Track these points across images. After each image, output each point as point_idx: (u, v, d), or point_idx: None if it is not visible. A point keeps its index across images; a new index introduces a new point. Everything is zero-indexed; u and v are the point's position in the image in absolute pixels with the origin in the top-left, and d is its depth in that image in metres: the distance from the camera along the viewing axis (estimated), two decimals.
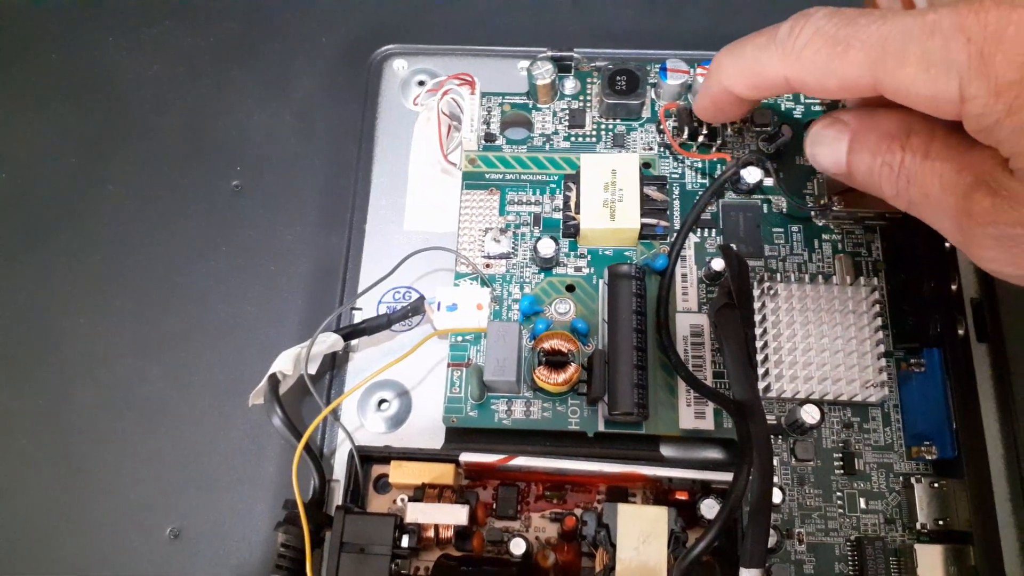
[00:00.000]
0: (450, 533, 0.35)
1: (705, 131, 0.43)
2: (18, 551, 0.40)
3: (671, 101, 0.44)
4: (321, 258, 0.45)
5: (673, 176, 0.43)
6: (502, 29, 0.51)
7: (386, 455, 0.37)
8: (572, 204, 0.41)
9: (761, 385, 0.37)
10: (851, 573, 0.36)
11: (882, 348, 0.37)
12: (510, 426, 0.37)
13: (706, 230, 0.41)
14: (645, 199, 0.40)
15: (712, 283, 0.40)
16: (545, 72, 0.43)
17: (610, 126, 0.44)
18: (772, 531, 0.34)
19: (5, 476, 0.41)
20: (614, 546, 0.33)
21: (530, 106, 0.45)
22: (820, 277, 0.39)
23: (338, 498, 0.38)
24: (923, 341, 0.38)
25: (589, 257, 0.41)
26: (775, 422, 0.38)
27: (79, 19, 0.53)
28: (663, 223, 0.40)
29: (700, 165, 0.43)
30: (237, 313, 0.44)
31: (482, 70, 0.45)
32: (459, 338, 0.39)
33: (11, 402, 0.43)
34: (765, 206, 0.42)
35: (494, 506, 0.37)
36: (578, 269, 0.41)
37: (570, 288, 0.40)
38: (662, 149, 0.43)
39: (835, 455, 0.37)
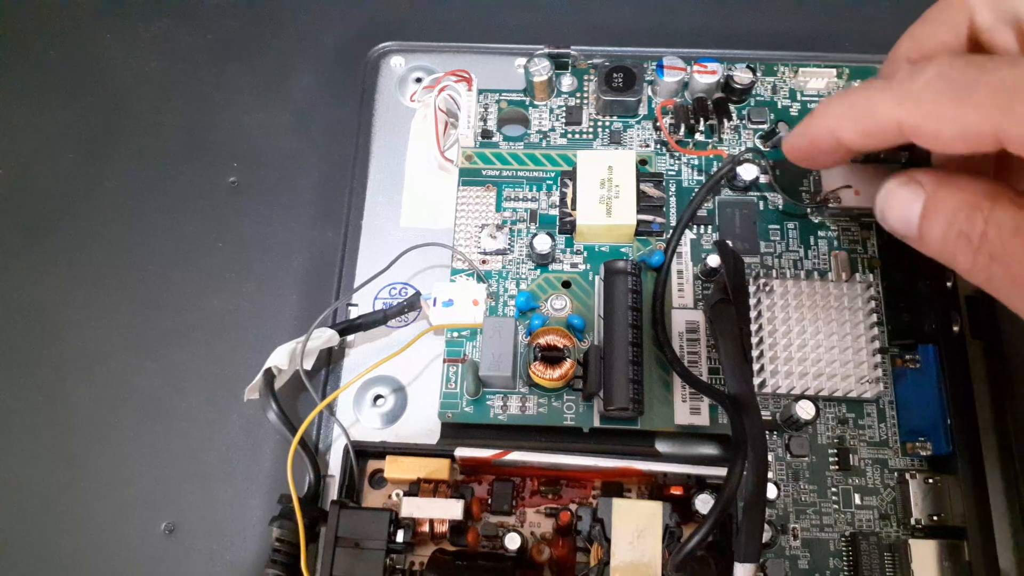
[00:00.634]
0: (445, 528, 0.35)
1: (702, 128, 0.43)
2: (14, 546, 0.40)
3: (668, 98, 0.44)
4: (317, 254, 0.45)
5: (669, 173, 0.43)
6: (499, 26, 0.51)
7: (381, 450, 0.38)
8: (568, 200, 0.41)
9: (756, 381, 0.37)
10: (845, 568, 0.36)
11: (877, 344, 0.37)
12: (506, 421, 0.37)
13: (702, 227, 0.41)
14: (641, 196, 0.40)
15: (708, 279, 0.40)
16: (542, 69, 0.43)
17: (607, 123, 0.44)
18: (767, 526, 0.34)
19: (1, 471, 0.41)
20: (609, 541, 0.33)
21: (527, 103, 0.45)
22: (816, 274, 0.39)
23: (333, 493, 0.38)
24: (918, 338, 0.38)
25: (585, 253, 0.41)
26: (770, 418, 0.38)
27: (78, 16, 0.53)
28: (659, 220, 0.40)
29: (696, 162, 0.43)
30: (233, 308, 0.44)
31: (479, 67, 0.45)
32: (455, 334, 0.39)
33: (7, 398, 0.43)
34: (761, 203, 0.42)
35: (489, 501, 0.37)
36: (574, 265, 0.41)
37: (566, 284, 0.40)
38: (658, 146, 0.43)
39: (830, 451, 0.38)
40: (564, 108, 0.44)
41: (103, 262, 0.46)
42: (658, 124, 0.43)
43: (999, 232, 0.27)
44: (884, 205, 0.32)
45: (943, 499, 0.36)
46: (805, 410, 0.36)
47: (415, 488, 0.36)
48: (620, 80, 0.43)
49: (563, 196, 0.41)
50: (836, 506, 0.37)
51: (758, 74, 0.44)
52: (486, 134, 0.44)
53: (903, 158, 0.41)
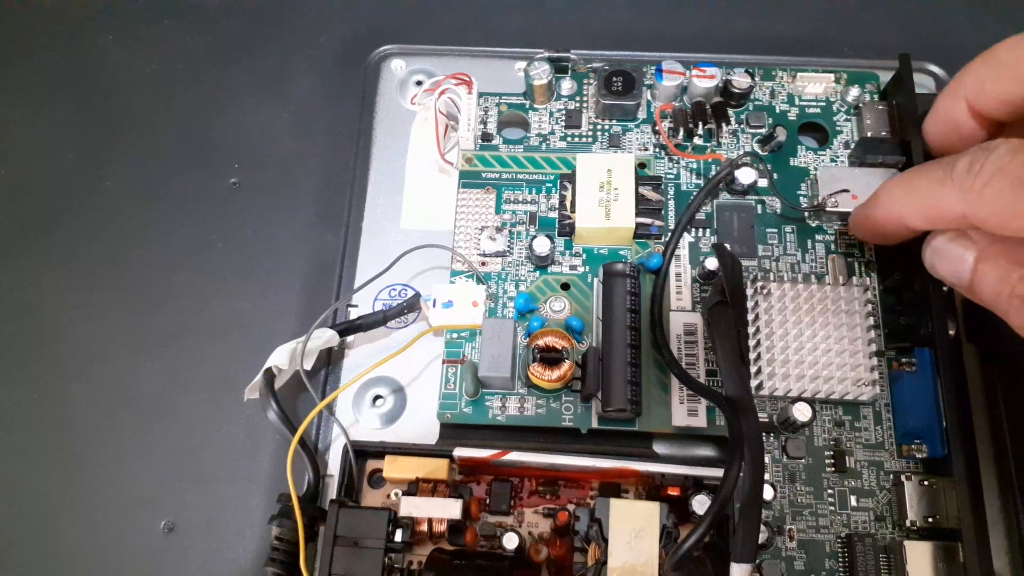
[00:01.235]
0: (443, 527, 0.35)
1: (700, 132, 0.43)
2: (13, 545, 0.40)
3: (667, 102, 0.44)
4: (317, 255, 0.45)
5: (668, 176, 0.43)
6: (499, 30, 0.51)
7: (380, 450, 0.38)
8: (568, 203, 0.41)
9: (753, 383, 0.37)
10: (841, 570, 0.36)
11: (874, 347, 0.37)
12: (504, 422, 0.38)
13: (700, 230, 0.42)
14: (640, 199, 0.41)
15: (706, 282, 0.40)
16: (542, 73, 0.44)
17: (606, 126, 0.44)
18: (763, 527, 0.34)
19: (1, 470, 0.42)
20: (606, 541, 0.34)
21: (527, 106, 0.45)
22: (813, 277, 0.40)
23: (332, 493, 0.38)
24: (915, 341, 0.39)
25: (584, 256, 0.41)
26: (767, 420, 0.38)
27: (79, 17, 0.54)
28: (658, 223, 0.41)
29: (695, 166, 0.43)
30: (234, 309, 0.45)
31: (479, 70, 0.46)
32: (454, 335, 0.39)
33: (7, 397, 0.43)
34: (759, 206, 0.42)
35: (487, 501, 0.38)
36: (573, 267, 0.41)
37: (565, 286, 0.40)
38: (657, 150, 0.44)
39: (826, 453, 0.38)
40: (564, 111, 0.45)
41: (103, 262, 0.46)
42: (657, 128, 0.44)
43: None
44: (934, 259, 0.33)
45: (938, 501, 0.36)
46: (802, 412, 0.36)
47: (414, 488, 0.36)
48: (619, 84, 0.43)
49: (562, 199, 0.41)
50: (832, 508, 0.37)
51: (756, 79, 0.44)
52: (486, 137, 0.45)
53: (900, 164, 0.41)
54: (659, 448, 0.38)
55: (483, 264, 0.41)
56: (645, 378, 0.37)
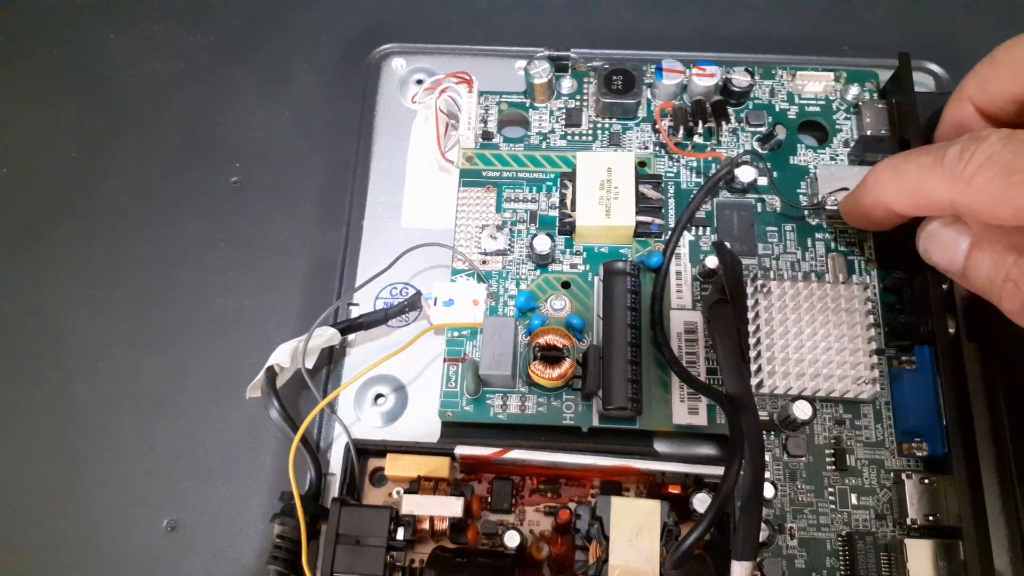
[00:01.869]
0: (445, 525, 0.35)
1: (700, 130, 0.43)
2: (15, 543, 0.40)
3: (667, 101, 0.45)
4: (319, 253, 0.45)
5: (668, 175, 0.43)
6: (500, 29, 0.51)
7: (382, 448, 0.38)
8: (568, 202, 0.41)
9: (754, 381, 0.37)
10: (842, 568, 0.36)
11: (874, 345, 0.38)
12: (505, 421, 0.38)
13: (700, 228, 0.42)
14: (640, 197, 0.41)
15: (706, 281, 0.40)
16: (542, 71, 0.44)
17: (606, 125, 0.44)
18: (764, 525, 0.34)
19: (2, 468, 0.42)
20: (607, 539, 0.34)
21: (527, 105, 0.45)
22: (813, 275, 0.40)
23: (334, 491, 0.38)
24: (915, 339, 0.39)
25: (585, 254, 0.41)
26: (768, 418, 0.38)
27: (81, 16, 0.54)
28: (658, 221, 0.41)
29: (695, 164, 0.43)
30: (235, 307, 0.45)
31: (480, 69, 0.46)
32: (455, 333, 0.40)
33: (9, 394, 0.43)
34: (759, 205, 0.42)
35: (489, 499, 0.38)
36: (574, 266, 0.41)
37: (566, 285, 0.41)
38: (657, 148, 0.44)
39: (827, 451, 0.38)
40: (564, 110, 0.45)
41: (105, 260, 0.46)
42: (657, 126, 0.44)
43: None
44: (928, 245, 0.33)
45: (939, 499, 0.36)
46: (802, 410, 0.36)
47: (415, 486, 0.36)
48: (619, 83, 0.43)
49: (563, 197, 0.41)
50: (833, 506, 0.37)
51: (756, 77, 0.44)
52: (486, 135, 0.45)
53: None
54: (660, 446, 0.38)
55: (484, 262, 0.41)
56: (646, 376, 0.37)
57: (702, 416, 0.37)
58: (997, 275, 0.30)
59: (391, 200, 0.45)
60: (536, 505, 0.38)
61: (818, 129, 0.44)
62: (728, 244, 0.40)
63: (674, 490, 0.36)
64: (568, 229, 0.41)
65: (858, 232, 0.41)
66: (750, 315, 0.38)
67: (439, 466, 0.37)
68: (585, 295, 0.40)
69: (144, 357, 0.44)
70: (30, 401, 0.43)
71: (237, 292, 0.45)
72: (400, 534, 0.35)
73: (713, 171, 0.42)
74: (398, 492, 0.38)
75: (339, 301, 0.42)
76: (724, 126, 0.44)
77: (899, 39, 0.49)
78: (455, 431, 0.38)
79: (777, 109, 0.44)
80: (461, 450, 0.36)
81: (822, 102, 0.44)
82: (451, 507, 0.35)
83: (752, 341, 0.38)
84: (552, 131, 0.45)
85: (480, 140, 0.44)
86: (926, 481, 0.36)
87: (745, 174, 0.41)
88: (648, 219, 0.40)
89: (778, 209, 0.42)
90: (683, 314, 0.40)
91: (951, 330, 0.38)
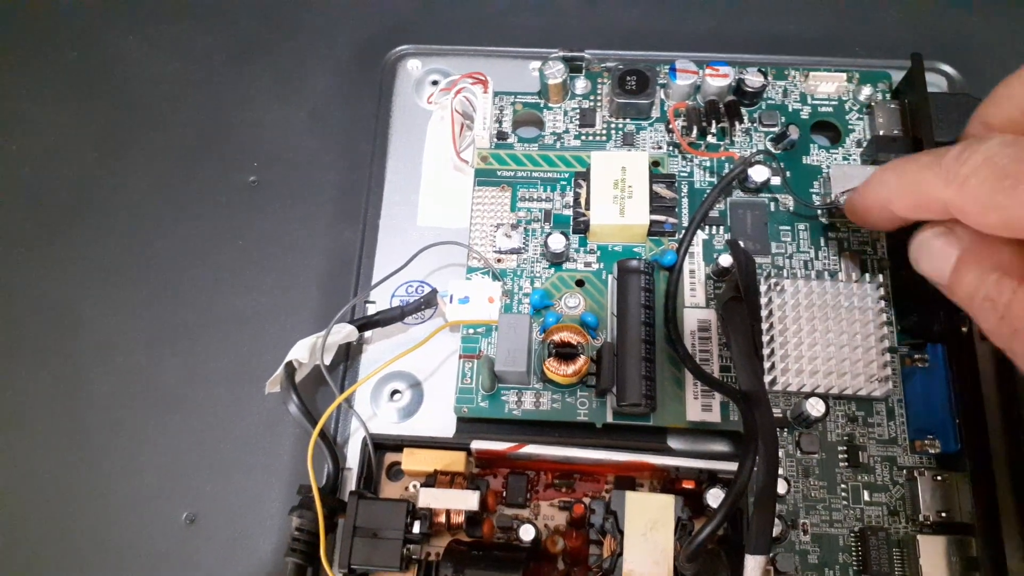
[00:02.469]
0: (461, 519, 0.36)
1: (713, 130, 0.43)
2: (36, 537, 0.41)
3: (680, 101, 0.45)
4: (336, 252, 0.46)
5: (682, 174, 0.43)
6: (515, 30, 0.52)
7: (399, 443, 0.38)
8: (582, 201, 0.41)
9: (767, 379, 0.37)
10: (855, 563, 0.36)
11: (887, 343, 0.38)
12: (520, 417, 0.38)
13: (714, 227, 0.42)
14: (654, 196, 0.41)
15: (719, 279, 0.41)
16: (557, 72, 0.44)
17: (620, 125, 0.45)
18: (777, 521, 0.34)
19: (24, 462, 0.42)
20: (622, 533, 0.34)
21: (541, 105, 0.46)
22: (826, 274, 0.40)
23: (351, 485, 0.38)
24: (927, 337, 0.39)
25: (599, 253, 0.42)
26: (781, 415, 0.38)
27: (99, 19, 0.54)
28: (671, 220, 0.41)
29: (708, 164, 0.44)
30: (252, 305, 0.45)
31: (495, 70, 0.46)
32: (470, 330, 0.40)
33: (29, 390, 0.44)
34: (772, 204, 0.43)
35: (504, 494, 0.38)
36: (588, 264, 0.41)
37: (580, 283, 0.41)
38: (671, 148, 0.44)
39: (840, 448, 0.38)
40: (578, 110, 0.45)
41: (124, 258, 0.47)
42: (670, 126, 0.44)
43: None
44: (918, 254, 0.33)
45: (951, 496, 0.36)
46: (815, 407, 0.37)
47: (432, 480, 0.37)
48: (633, 83, 0.44)
49: (577, 196, 0.42)
50: (845, 502, 0.37)
51: (769, 78, 0.45)
52: (501, 135, 0.45)
53: None
54: (673, 443, 0.38)
55: (499, 261, 0.42)
56: (659, 373, 0.38)
57: (715, 413, 0.37)
58: (978, 292, 0.29)
59: (407, 199, 0.46)
60: (551, 500, 0.38)
61: (831, 129, 0.45)
62: (741, 243, 0.41)
63: (688, 485, 0.36)
64: (582, 228, 0.42)
65: (871, 231, 0.42)
66: (764, 313, 0.39)
67: (455, 460, 0.37)
68: (599, 293, 0.41)
69: (163, 353, 0.44)
70: (50, 397, 0.44)
71: (254, 290, 0.46)
72: (416, 527, 0.35)
73: (726, 171, 0.42)
74: (415, 486, 0.38)
75: (356, 298, 0.42)
76: (737, 126, 0.44)
77: (912, 40, 0.50)
78: (470, 427, 0.39)
79: (790, 109, 0.45)
80: (477, 444, 0.36)
81: (835, 102, 0.45)
82: (467, 501, 0.36)
83: (766, 339, 0.38)
84: (566, 131, 0.45)
85: (495, 140, 0.45)
86: (939, 478, 0.37)
87: (758, 173, 0.42)
88: (662, 218, 0.41)
89: (791, 208, 0.42)
90: (696, 312, 0.40)
91: (963, 329, 0.38)
